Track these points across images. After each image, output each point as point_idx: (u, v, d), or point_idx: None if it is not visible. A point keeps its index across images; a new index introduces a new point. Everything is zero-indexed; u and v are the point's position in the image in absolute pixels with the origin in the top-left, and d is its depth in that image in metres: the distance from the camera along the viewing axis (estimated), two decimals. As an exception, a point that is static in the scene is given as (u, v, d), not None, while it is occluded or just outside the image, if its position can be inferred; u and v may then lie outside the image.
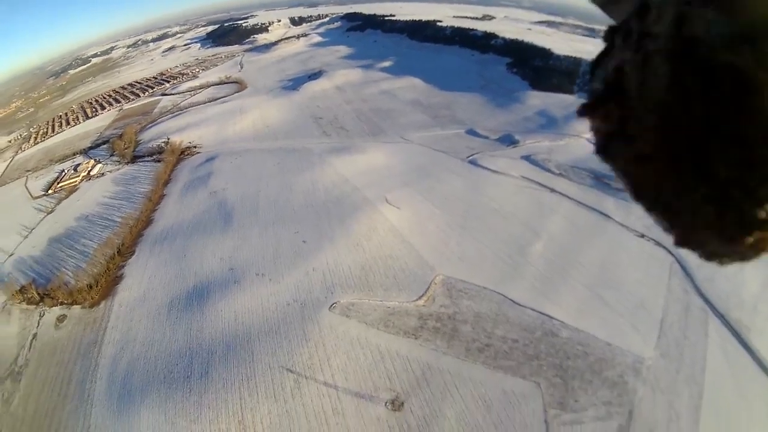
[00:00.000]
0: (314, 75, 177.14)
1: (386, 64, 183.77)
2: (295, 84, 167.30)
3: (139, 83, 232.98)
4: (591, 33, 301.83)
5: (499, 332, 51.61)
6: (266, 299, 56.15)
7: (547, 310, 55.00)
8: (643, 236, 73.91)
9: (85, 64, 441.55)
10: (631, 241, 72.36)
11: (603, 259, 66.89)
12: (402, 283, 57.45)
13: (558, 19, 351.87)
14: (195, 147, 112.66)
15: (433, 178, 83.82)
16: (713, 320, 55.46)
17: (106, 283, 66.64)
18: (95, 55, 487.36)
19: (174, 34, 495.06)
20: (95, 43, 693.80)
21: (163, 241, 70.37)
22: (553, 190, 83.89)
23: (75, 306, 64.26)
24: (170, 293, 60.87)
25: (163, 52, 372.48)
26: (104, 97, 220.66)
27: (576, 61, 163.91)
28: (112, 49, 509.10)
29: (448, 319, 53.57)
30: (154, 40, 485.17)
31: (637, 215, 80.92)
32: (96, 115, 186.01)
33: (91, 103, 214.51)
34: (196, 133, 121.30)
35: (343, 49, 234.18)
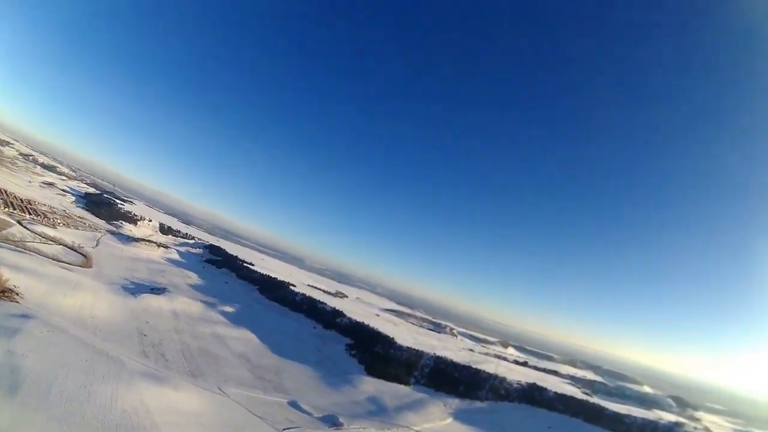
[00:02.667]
0: (157, 290, 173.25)
1: (229, 309, 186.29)
2: (136, 289, 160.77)
3: (8, 196, 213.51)
4: (437, 328, 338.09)
5: None
6: None
7: None
8: None
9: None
10: None
11: None
12: None
13: (407, 310, 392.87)
14: (17, 294, 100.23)
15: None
16: None
17: None
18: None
19: (61, 173, 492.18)
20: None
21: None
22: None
23: None
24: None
25: (43, 183, 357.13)
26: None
27: (418, 354, 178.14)
28: (9, 143, 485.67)
29: None
30: (42, 166, 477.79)
31: None
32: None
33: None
34: (24, 281, 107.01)
35: (194, 278, 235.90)
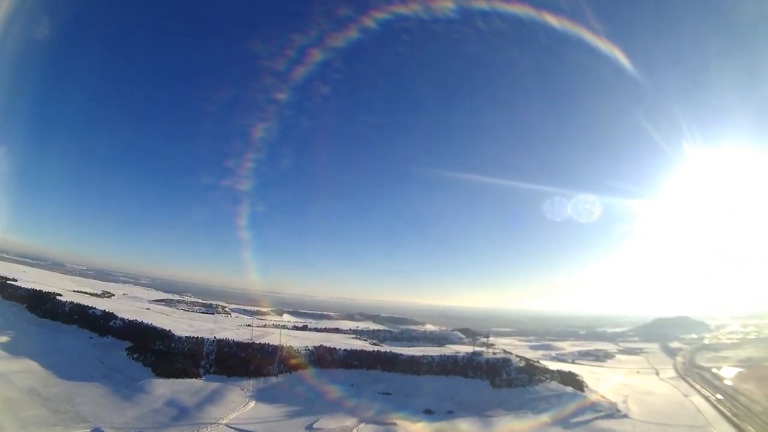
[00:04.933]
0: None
1: (3, 338, 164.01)
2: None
3: None
4: (209, 309, 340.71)
5: None
6: None
7: None
8: None
9: None
10: None
11: None
12: None
13: (175, 297, 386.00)
14: None
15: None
16: None
17: None
18: None
19: None
20: None
21: None
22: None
23: None
24: None
25: None
26: None
27: (198, 342, 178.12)
28: None
29: None
30: None
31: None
32: None
33: None
34: None
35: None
